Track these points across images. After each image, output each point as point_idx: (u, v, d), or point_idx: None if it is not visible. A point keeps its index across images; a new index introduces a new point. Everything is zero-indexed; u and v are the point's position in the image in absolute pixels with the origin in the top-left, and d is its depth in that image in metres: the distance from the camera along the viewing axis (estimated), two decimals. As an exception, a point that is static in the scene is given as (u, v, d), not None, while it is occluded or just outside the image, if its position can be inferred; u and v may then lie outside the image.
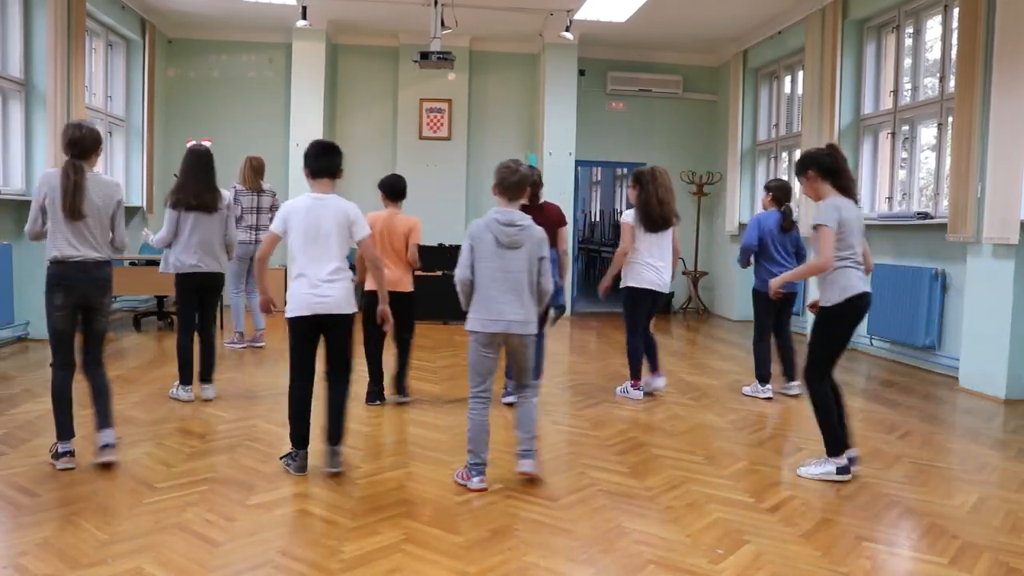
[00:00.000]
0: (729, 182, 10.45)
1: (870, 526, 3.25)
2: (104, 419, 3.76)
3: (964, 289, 6.26)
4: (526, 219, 3.57)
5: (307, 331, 3.66)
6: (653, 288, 5.38)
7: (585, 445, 4.33)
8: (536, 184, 4.90)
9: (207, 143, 5.16)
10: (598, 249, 16.67)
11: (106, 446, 3.72)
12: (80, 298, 3.70)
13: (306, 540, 2.95)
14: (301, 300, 3.61)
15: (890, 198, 7.75)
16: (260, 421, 4.62)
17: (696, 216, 10.84)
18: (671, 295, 5.39)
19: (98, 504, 3.23)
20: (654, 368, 5.61)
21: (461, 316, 3.64)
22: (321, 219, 3.63)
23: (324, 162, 3.74)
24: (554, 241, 4.82)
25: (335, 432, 3.74)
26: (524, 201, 3.71)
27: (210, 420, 4.59)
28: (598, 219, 18.19)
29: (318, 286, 3.60)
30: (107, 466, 3.68)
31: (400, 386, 5.17)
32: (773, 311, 5.70)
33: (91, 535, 2.92)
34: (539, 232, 3.61)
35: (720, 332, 9.31)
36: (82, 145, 3.68)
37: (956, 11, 6.44)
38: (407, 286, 5.04)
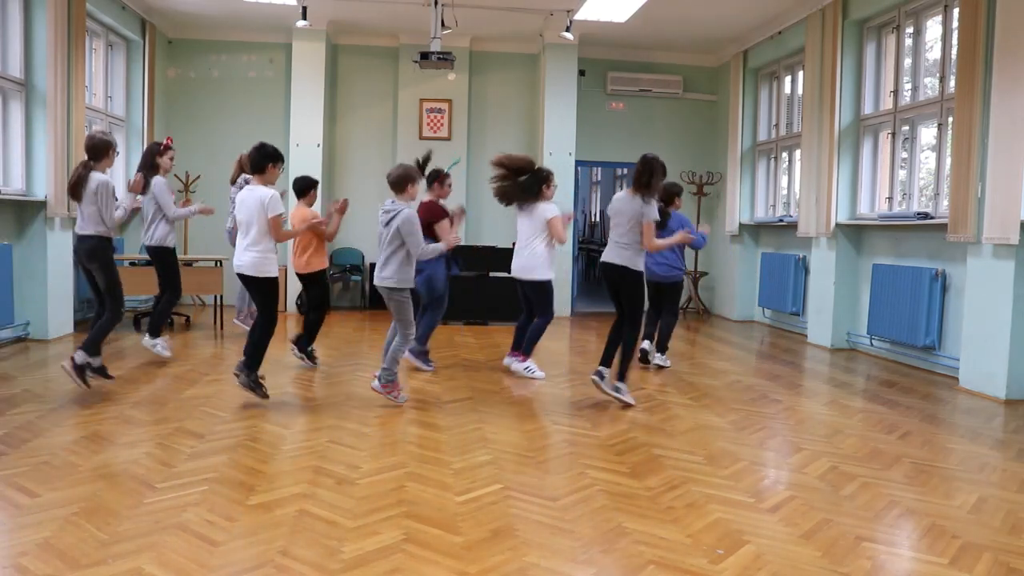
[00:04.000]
0: (729, 182, 10.45)
1: (870, 526, 3.25)
2: (86, 342, 5.01)
3: (964, 289, 6.26)
4: (397, 206, 4.86)
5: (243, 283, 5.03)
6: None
7: (585, 445, 4.33)
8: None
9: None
10: (598, 249, 16.65)
11: (71, 359, 4.92)
12: (78, 260, 5.25)
13: (306, 540, 2.95)
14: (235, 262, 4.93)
15: (890, 198, 7.75)
16: (260, 421, 4.61)
17: (696, 216, 10.85)
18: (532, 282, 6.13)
19: (98, 504, 3.23)
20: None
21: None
22: (247, 204, 4.80)
23: (255, 161, 4.81)
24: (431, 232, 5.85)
25: (248, 358, 4.91)
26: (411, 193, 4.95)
27: (210, 420, 4.59)
28: (598, 219, 18.19)
29: (238, 254, 4.85)
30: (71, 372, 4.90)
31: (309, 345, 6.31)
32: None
33: (91, 535, 2.92)
34: (406, 215, 4.81)
35: (720, 332, 9.31)
36: (92, 151, 5.01)
37: (956, 11, 6.44)
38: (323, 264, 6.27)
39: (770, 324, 9.85)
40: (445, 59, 7.93)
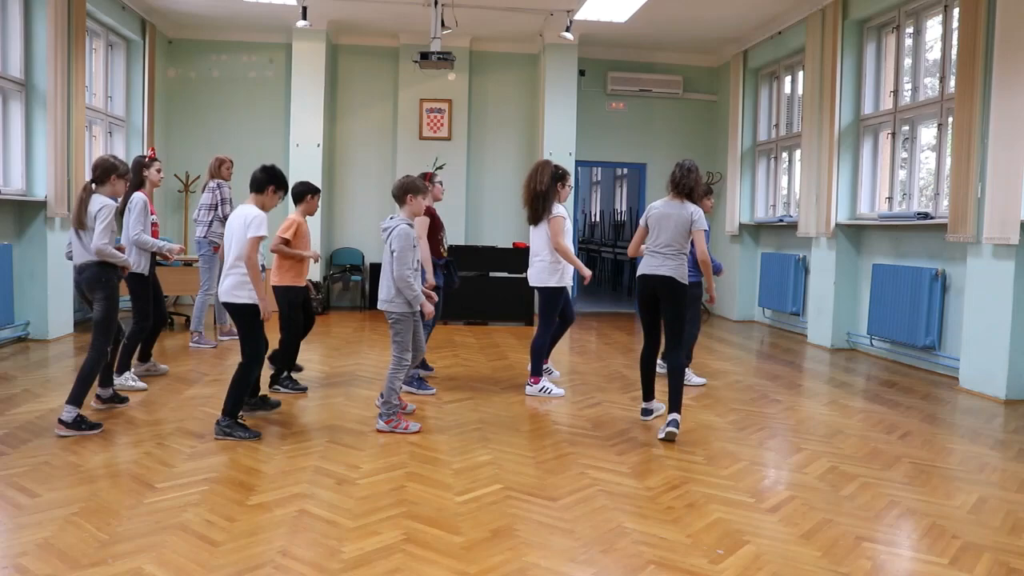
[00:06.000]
0: (729, 182, 10.45)
1: (870, 526, 3.25)
2: (75, 394, 4.28)
3: (964, 289, 6.26)
4: (395, 221, 4.50)
5: None
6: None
7: (585, 445, 4.33)
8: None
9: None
10: (598, 249, 16.67)
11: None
12: (80, 293, 4.50)
13: (306, 540, 2.95)
14: None
15: (890, 198, 7.75)
16: (260, 421, 4.61)
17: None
18: (540, 289, 5.62)
19: (98, 504, 3.23)
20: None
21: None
22: (231, 225, 4.36)
23: (258, 179, 4.44)
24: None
25: (225, 401, 4.32)
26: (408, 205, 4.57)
27: (210, 420, 4.58)
28: (598, 219, 18.20)
29: (221, 280, 4.38)
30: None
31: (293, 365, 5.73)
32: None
33: (91, 535, 2.92)
34: (399, 230, 4.44)
35: (720, 332, 9.31)
36: (94, 172, 4.45)
37: (956, 11, 6.44)
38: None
39: (770, 324, 9.85)
40: (445, 59, 7.93)
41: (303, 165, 9.82)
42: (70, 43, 7.28)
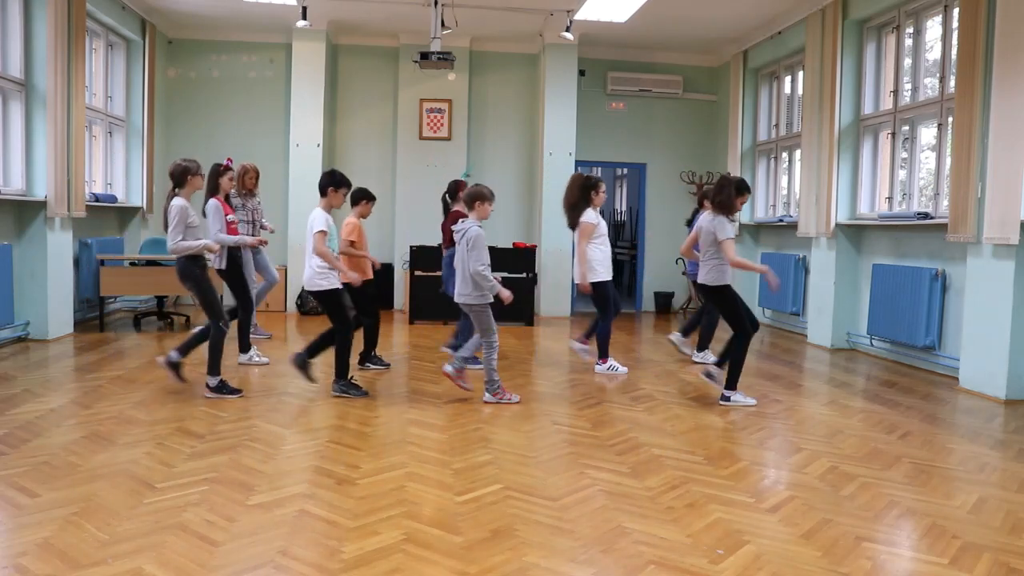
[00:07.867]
0: (729, 182, 10.44)
1: (870, 526, 3.25)
2: (208, 366, 5.20)
3: (964, 289, 6.26)
4: (466, 224, 5.27)
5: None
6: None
7: (585, 445, 4.33)
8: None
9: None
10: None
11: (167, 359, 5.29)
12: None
13: (306, 540, 2.95)
14: None
15: (890, 198, 7.75)
16: (260, 421, 4.61)
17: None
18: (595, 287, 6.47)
19: (98, 504, 3.23)
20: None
21: (459, 315, 4.99)
22: (308, 224, 5.40)
23: (319, 184, 5.50)
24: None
25: (310, 347, 5.37)
26: (464, 212, 5.44)
27: (210, 420, 4.59)
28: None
29: (304, 269, 5.37)
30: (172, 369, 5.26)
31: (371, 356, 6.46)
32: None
33: (91, 535, 2.92)
34: (470, 232, 5.19)
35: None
36: (171, 178, 5.11)
37: (956, 11, 6.44)
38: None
39: (770, 324, 9.85)
40: (445, 59, 7.93)
41: (303, 165, 9.81)
42: (70, 43, 7.28)
